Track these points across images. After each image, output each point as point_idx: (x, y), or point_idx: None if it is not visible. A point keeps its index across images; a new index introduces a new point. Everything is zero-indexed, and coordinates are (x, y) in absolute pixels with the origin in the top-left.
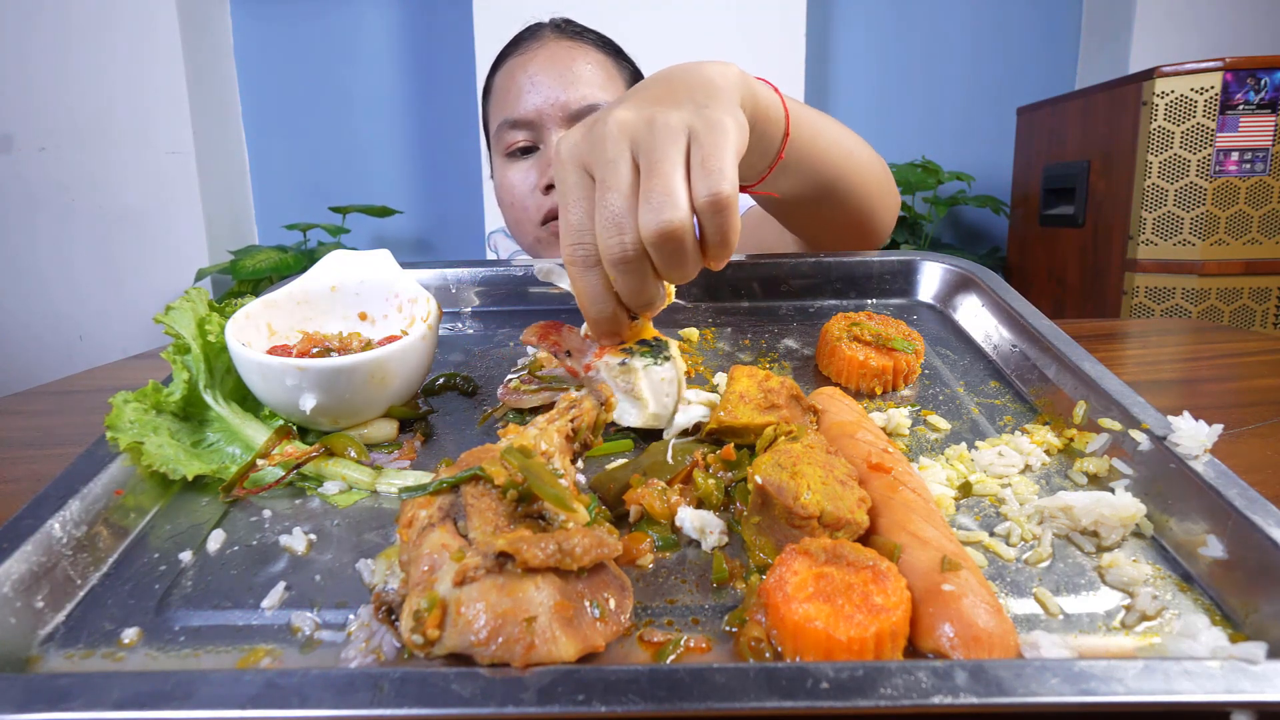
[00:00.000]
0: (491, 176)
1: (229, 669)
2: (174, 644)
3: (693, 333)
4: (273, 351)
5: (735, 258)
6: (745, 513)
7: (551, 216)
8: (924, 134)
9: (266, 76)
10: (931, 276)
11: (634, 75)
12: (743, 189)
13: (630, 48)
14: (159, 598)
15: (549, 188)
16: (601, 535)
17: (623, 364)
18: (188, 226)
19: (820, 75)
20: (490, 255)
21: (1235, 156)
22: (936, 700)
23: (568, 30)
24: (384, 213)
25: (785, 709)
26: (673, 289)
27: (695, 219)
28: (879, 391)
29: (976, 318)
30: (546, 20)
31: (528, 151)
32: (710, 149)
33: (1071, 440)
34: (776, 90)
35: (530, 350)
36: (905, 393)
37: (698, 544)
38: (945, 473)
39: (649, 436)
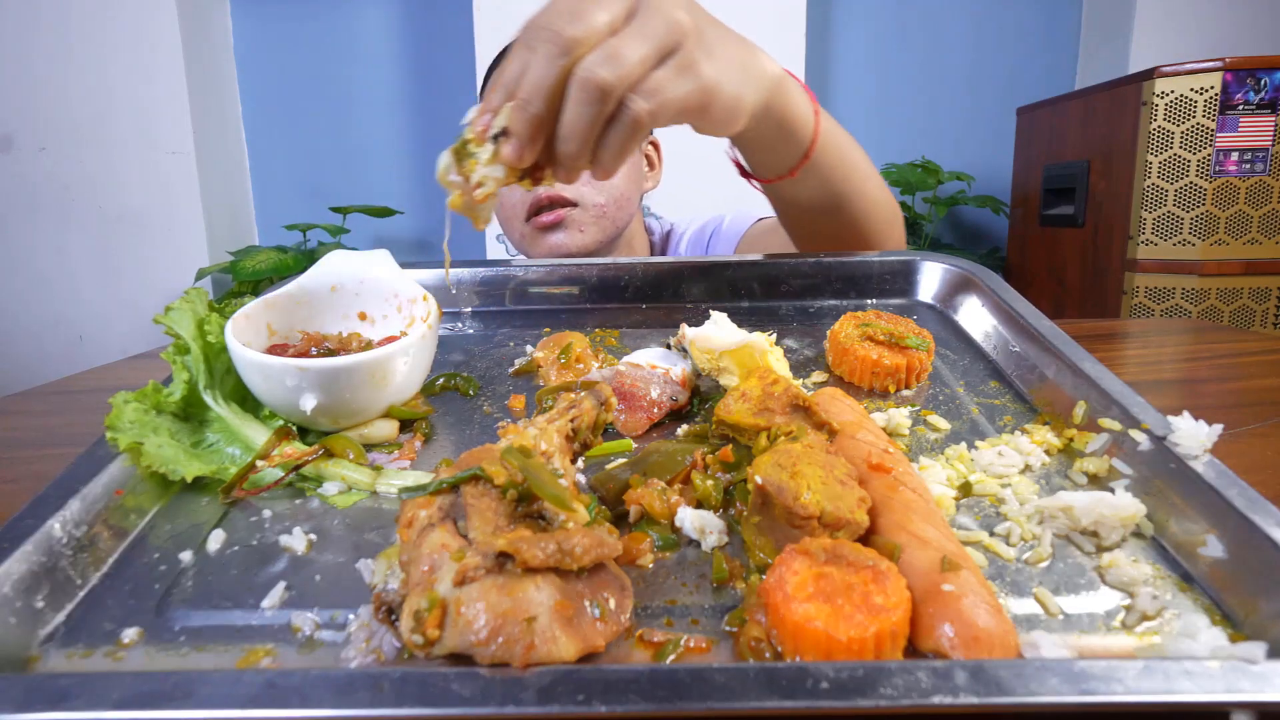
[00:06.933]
0: None
1: (229, 669)
2: (174, 644)
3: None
4: (272, 351)
5: (735, 258)
6: (745, 513)
7: (534, 212)
8: (924, 134)
9: (266, 76)
10: (931, 276)
11: None
12: (767, 180)
13: None
14: (159, 598)
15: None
16: (601, 535)
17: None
18: (188, 226)
19: (820, 75)
20: (501, 247)
21: (1235, 156)
22: (936, 700)
23: None
24: (384, 213)
25: (785, 709)
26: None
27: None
28: (893, 390)
29: (976, 318)
30: None
31: None
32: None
33: (1071, 440)
34: (812, 96)
35: (529, 349)
36: (906, 393)
37: (698, 544)
38: (945, 473)
39: (649, 437)
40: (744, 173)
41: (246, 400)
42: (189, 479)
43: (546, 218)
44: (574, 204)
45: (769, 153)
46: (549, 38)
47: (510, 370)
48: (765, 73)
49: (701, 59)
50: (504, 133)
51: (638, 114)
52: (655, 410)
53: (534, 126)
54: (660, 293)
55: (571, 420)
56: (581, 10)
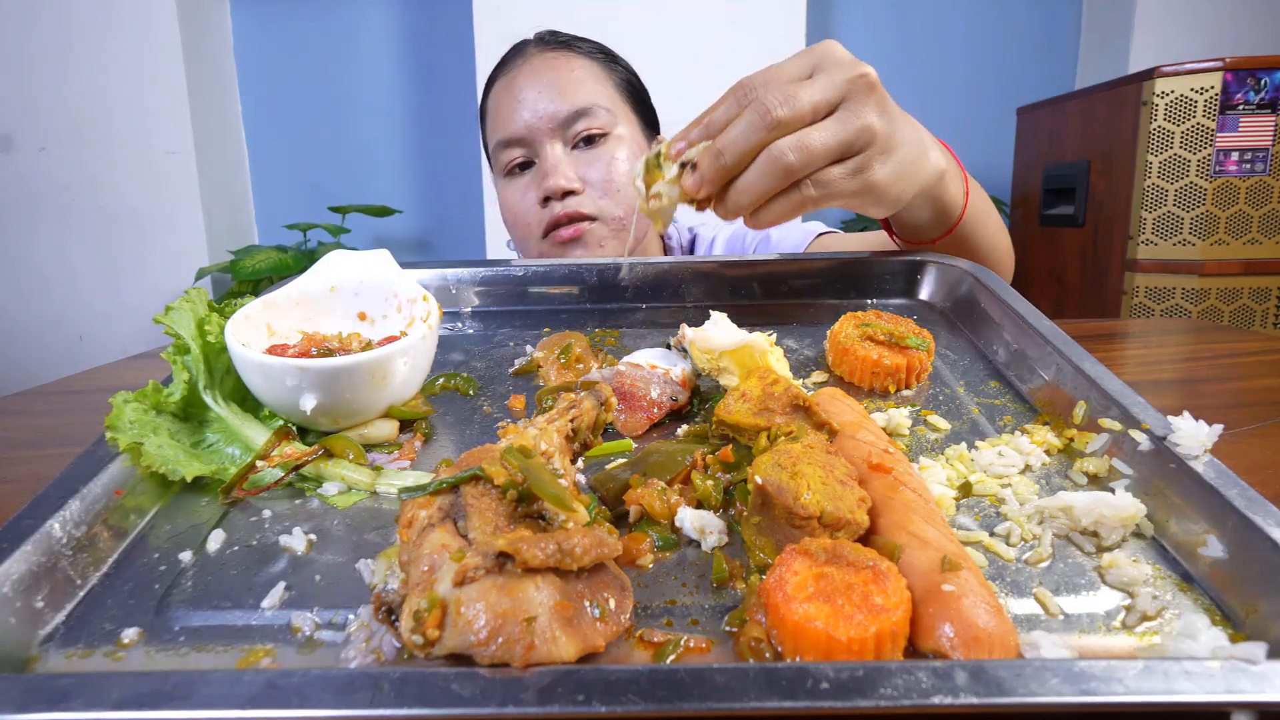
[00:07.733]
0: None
1: (229, 669)
2: (174, 644)
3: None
4: (272, 351)
5: (735, 258)
6: (745, 513)
7: (552, 228)
8: None
9: (266, 76)
10: (931, 276)
11: (627, 79)
12: (921, 242)
13: (627, 46)
14: (159, 598)
15: (546, 199)
16: (601, 535)
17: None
18: (188, 226)
19: None
20: (511, 255)
21: (1235, 156)
22: (936, 700)
23: (552, 41)
24: (383, 212)
25: (785, 709)
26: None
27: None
28: (893, 390)
29: (976, 318)
30: (532, 35)
31: (525, 167)
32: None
33: (1071, 440)
34: (965, 175)
35: (529, 349)
36: (906, 393)
37: (698, 544)
38: (945, 473)
39: (649, 437)
40: (888, 229)
41: (246, 400)
42: (189, 479)
43: (566, 232)
44: (593, 218)
45: (916, 226)
46: (759, 110)
47: (510, 370)
48: (929, 169)
49: (877, 165)
50: (692, 164)
51: (806, 197)
52: (655, 410)
53: (720, 173)
54: (660, 293)
55: (571, 420)
56: (794, 96)
